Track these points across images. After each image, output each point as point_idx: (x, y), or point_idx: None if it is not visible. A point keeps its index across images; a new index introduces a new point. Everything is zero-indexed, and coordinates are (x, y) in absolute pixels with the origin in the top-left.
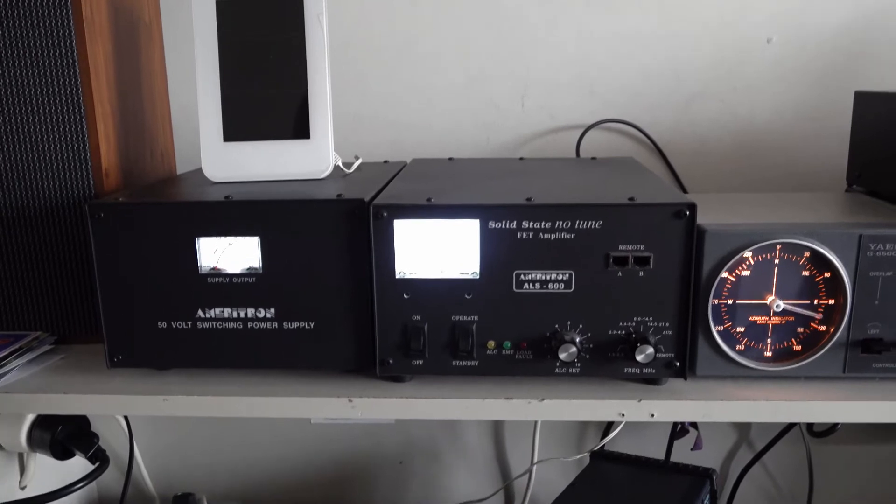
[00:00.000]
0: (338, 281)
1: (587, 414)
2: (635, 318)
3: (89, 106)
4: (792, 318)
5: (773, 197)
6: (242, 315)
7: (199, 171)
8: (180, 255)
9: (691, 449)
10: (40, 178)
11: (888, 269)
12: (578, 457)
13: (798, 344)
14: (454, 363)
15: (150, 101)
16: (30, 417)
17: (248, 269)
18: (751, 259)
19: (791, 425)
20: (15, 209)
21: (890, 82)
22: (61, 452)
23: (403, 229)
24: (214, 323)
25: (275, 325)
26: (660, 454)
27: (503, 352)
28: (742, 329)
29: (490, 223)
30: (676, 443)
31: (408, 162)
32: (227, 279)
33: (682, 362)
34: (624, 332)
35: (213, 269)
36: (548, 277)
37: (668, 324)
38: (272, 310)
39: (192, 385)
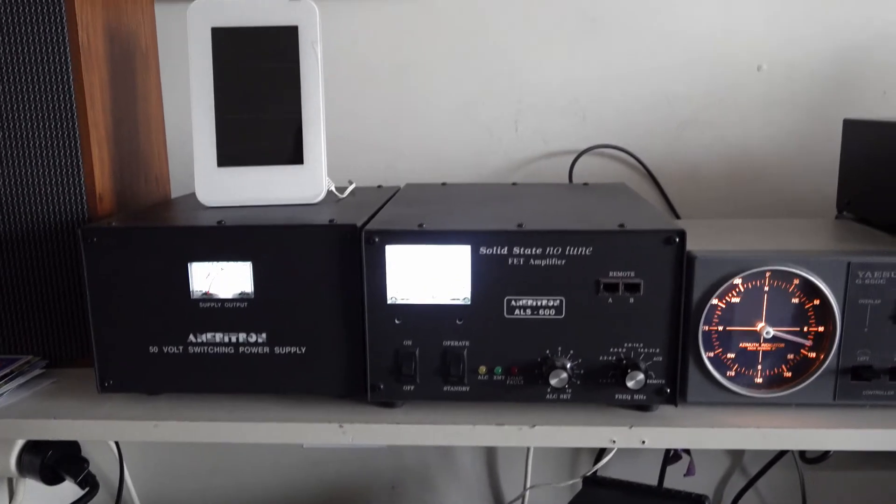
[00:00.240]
0: (329, 306)
1: (578, 440)
2: (626, 345)
3: (84, 131)
4: (782, 345)
5: (763, 223)
6: (234, 340)
7: (193, 195)
8: (173, 279)
9: (684, 475)
10: (34, 202)
11: (877, 296)
12: (571, 482)
13: (788, 371)
14: (445, 388)
15: (145, 126)
16: (20, 442)
17: (239, 293)
18: (741, 286)
19: (783, 451)
20: (8, 232)
21: (878, 110)
22: (51, 477)
23: (395, 254)
24: (206, 348)
25: (266, 349)
26: (653, 480)
27: (494, 377)
28: (732, 356)
29: (481, 249)
30: (669, 468)
31: (401, 186)
32: (219, 304)
33: (672, 389)
34: (615, 358)
35: (206, 293)
36: (539, 303)
37: (658, 350)
38: (263, 335)
39: (183, 410)
